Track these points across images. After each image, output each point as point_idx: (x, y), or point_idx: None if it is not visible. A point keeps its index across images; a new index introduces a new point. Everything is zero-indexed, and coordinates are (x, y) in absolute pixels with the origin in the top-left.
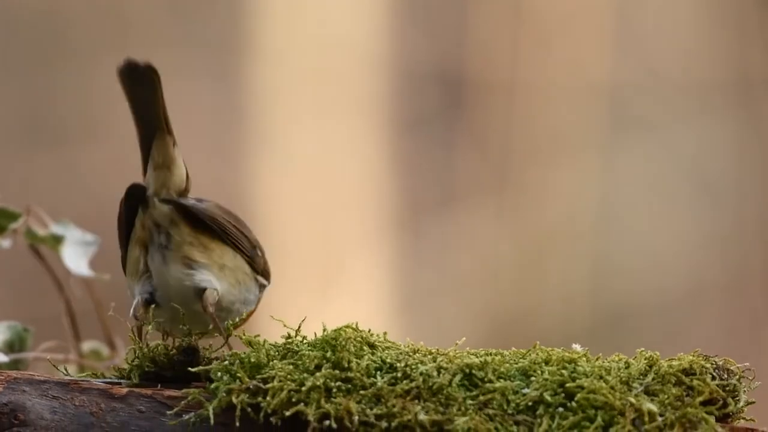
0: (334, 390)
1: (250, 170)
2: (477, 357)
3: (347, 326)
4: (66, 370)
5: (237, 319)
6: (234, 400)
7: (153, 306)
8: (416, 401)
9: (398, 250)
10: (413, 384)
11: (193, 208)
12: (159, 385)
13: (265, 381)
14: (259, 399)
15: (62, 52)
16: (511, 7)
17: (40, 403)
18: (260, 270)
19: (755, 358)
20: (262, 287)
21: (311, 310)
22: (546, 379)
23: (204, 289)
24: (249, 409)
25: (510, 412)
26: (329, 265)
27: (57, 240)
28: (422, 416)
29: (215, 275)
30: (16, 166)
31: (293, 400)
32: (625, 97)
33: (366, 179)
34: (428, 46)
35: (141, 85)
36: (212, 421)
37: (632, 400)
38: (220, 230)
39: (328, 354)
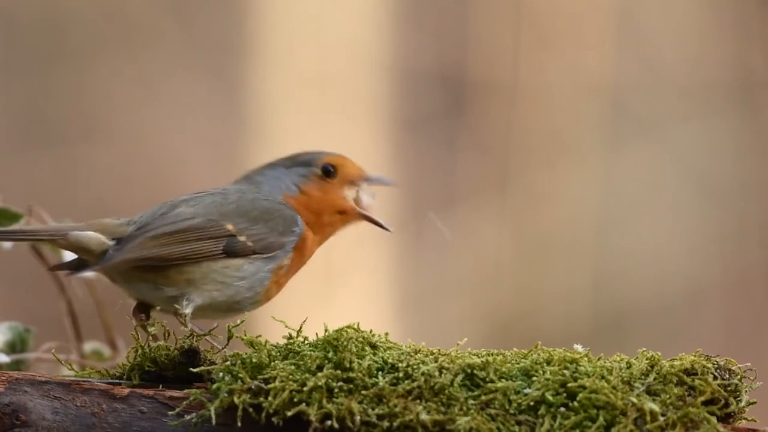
0: (336, 390)
1: None
2: (478, 357)
3: (349, 327)
4: (71, 366)
5: (259, 298)
6: (236, 400)
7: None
8: (418, 401)
9: (399, 250)
10: (415, 384)
11: (114, 264)
12: (161, 386)
13: (266, 381)
14: (261, 399)
15: (62, 53)
16: (512, 9)
17: (41, 403)
18: (251, 251)
19: (757, 358)
20: (273, 259)
21: (312, 310)
22: (548, 379)
23: (175, 297)
24: (251, 410)
25: (512, 412)
26: (330, 266)
27: None
28: (424, 416)
29: (186, 290)
30: (17, 167)
31: (295, 400)
32: (626, 98)
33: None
34: (430, 47)
35: None
36: (214, 422)
37: (634, 399)
38: (158, 263)
39: (330, 354)
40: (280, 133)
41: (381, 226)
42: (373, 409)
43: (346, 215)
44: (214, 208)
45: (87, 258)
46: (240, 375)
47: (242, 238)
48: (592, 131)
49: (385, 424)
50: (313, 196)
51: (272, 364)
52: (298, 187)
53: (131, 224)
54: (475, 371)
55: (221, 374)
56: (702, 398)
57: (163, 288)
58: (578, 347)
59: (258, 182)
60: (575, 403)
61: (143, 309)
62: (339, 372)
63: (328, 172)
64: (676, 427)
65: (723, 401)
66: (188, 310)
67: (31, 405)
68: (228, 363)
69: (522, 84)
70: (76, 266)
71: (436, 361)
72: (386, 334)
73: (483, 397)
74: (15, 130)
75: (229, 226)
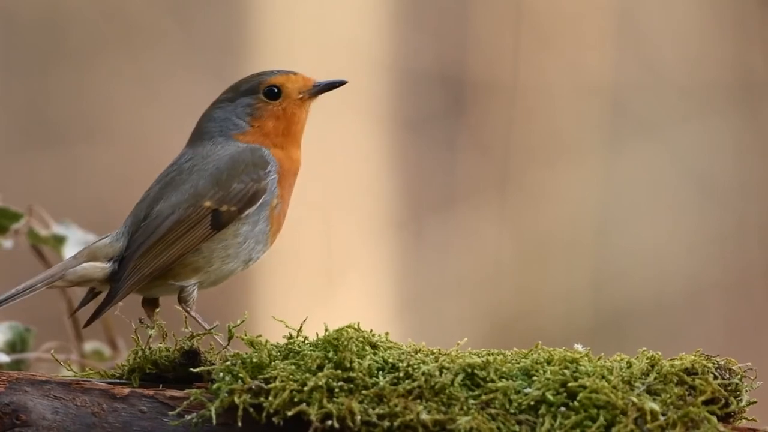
0: (336, 390)
1: None
2: (479, 357)
3: (349, 326)
4: (70, 366)
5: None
6: (236, 400)
7: (157, 310)
8: (418, 401)
9: (399, 250)
10: (415, 384)
11: (123, 297)
12: (161, 386)
13: (267, 381)
14: (261, 399)
15: (62, 53)
16: (512, 9)
17: (41, 403)
18: (236, 214)
19: (757, 358)
20: (263, 206)
21: (312, 310)
22: (548, 379)
23: (192, 286)
24: (251, 410)
25: (512, 411)
26: (331, 266)
27: (59, 240)
28: (424, 416)
29: (196, 276)
30: (17, 167)
31: (295, 400)
32: (626, 98)
33: (367, 179)
34: (430, 46)
35: None
36: (214, 422)
37: (634, 399)
38: (160, 272)
39: (330, 354)
40: None
41: (337, 85)
42: (373, 408)
43: (308, 104)
44: (187, 192)
45: (94, 285)
46: (240, 375)
47: (224, 208)
48: (592, 131)
49: (386, 423)
50: (268, 125)
51: (272, 363)
52: (248, 122)
53: (119, 238)
54: (475, 371)
55: (221, 374)
56: (702, 398)
57: (176, 283)
58: (578, 347)
59: (210, 132)
60: (576, 403)
61: (152, 300)
62: (339, 372)
63: (273, 94)
64: (676, 426)
65: (723, 401)
66: (192, 299)
67: (31, 405)
68: (228, 363)
69: (522, 84)
70: (90, 300)
71: (436, 361)
72: (386, 333)
73: (483, 397)
74: (15, 130)
75: (208, 203)
